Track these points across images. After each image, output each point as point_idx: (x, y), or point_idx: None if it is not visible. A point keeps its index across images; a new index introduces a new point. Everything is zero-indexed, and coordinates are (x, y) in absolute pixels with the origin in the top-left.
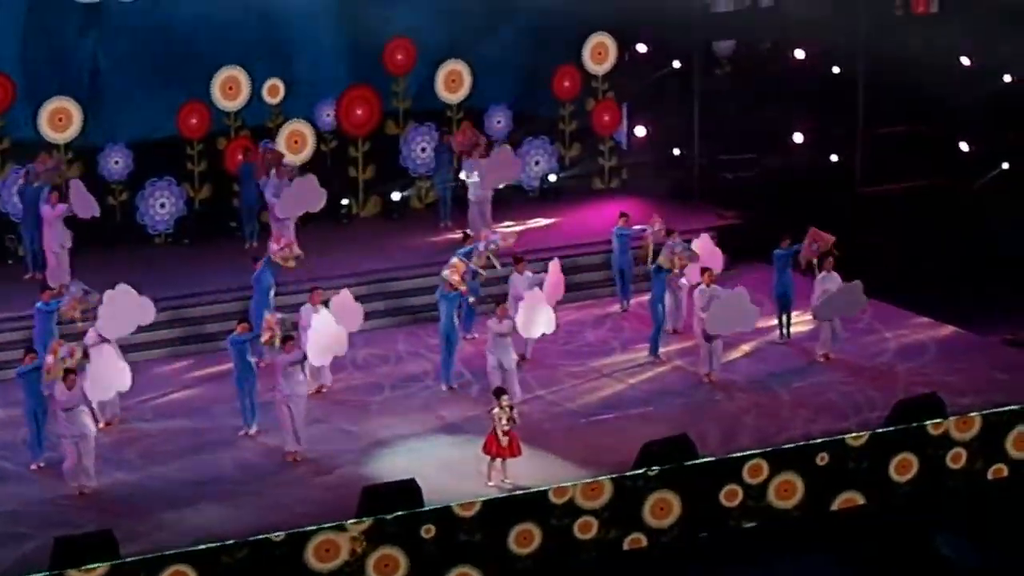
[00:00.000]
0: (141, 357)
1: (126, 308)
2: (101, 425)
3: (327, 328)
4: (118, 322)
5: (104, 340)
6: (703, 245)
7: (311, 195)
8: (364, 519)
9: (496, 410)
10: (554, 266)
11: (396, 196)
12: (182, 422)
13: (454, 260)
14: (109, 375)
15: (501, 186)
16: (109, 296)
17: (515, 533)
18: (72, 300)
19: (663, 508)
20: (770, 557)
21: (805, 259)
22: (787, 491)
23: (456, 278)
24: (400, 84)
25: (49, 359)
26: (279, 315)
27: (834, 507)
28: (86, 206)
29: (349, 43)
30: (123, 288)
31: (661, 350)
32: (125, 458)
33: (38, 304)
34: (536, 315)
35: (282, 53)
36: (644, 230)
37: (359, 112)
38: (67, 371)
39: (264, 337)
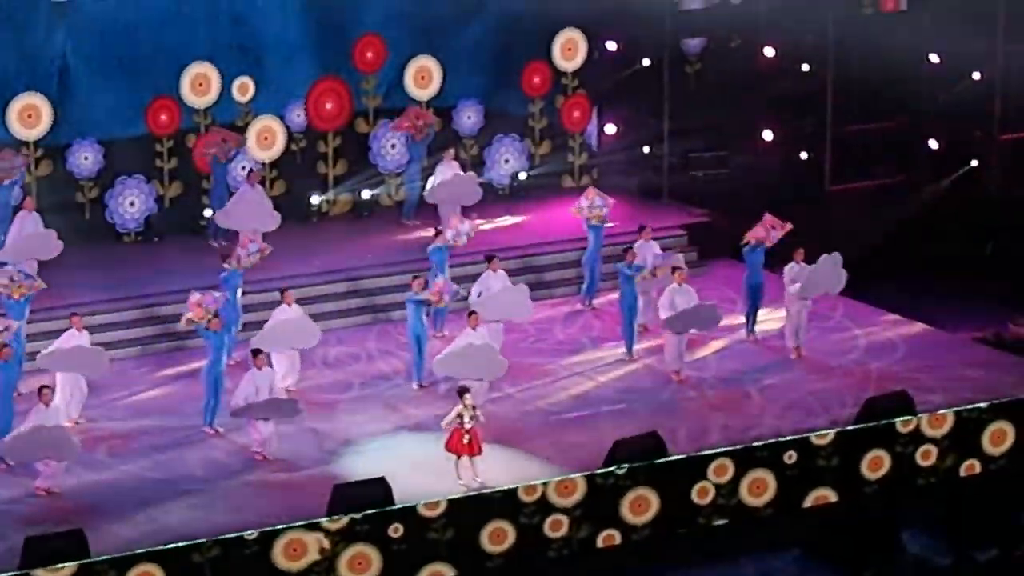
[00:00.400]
0: (110, 356)
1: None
2: (68, 424)
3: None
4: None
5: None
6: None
7: (260, 212)
8: (335, 517)
9: (459, 407)
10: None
11: (366, 194)
12: (151, 421)
13: (438, 280)
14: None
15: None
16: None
17: (487, 531)
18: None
19: (639, 505)
20: (741, 554)
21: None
22: (759, 488)
23: (435, 297)
24: (370, 82)
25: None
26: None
27: (806, 504)
28: None
29: (319, 40)
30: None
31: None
32: (95, 457)
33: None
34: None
35: (252, 51)
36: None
37: (329, 106)
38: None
39: (194, 314)
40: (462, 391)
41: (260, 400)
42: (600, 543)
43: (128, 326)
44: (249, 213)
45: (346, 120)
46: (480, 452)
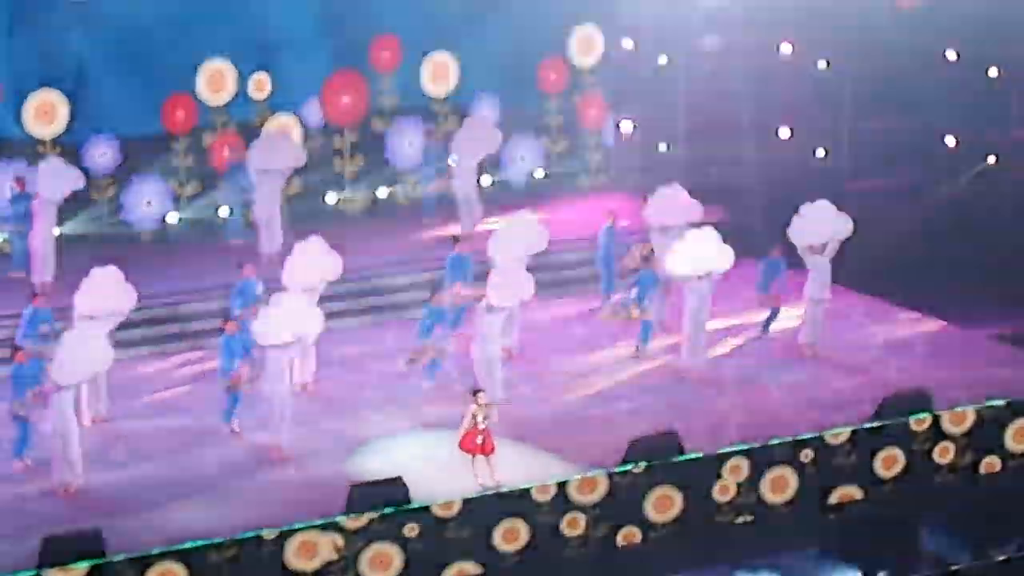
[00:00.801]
0: (127, 355)
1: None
2: (86, 423)
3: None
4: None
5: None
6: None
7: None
8: (352, 516)
9: (473, 406)
10: None
11: (382, 192)
12: (168, 420)
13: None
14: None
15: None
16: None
17: (502, 530)
18: None
19: (657, 504)
20: (757, 553)
21: None
22: (780, 486)
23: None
24: (386, 79)
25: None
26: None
27: (826, 502)
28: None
29: (335, 38)
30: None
31: (648, 345)
32: (112, 456)
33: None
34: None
35: (268, 49)
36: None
37: (345, 99)
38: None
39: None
40: (476, 391)
41: None
42: (617, 541)
43: (144, 325)
44: (279, 151)
45: (362, 114)
46: (493, 451)
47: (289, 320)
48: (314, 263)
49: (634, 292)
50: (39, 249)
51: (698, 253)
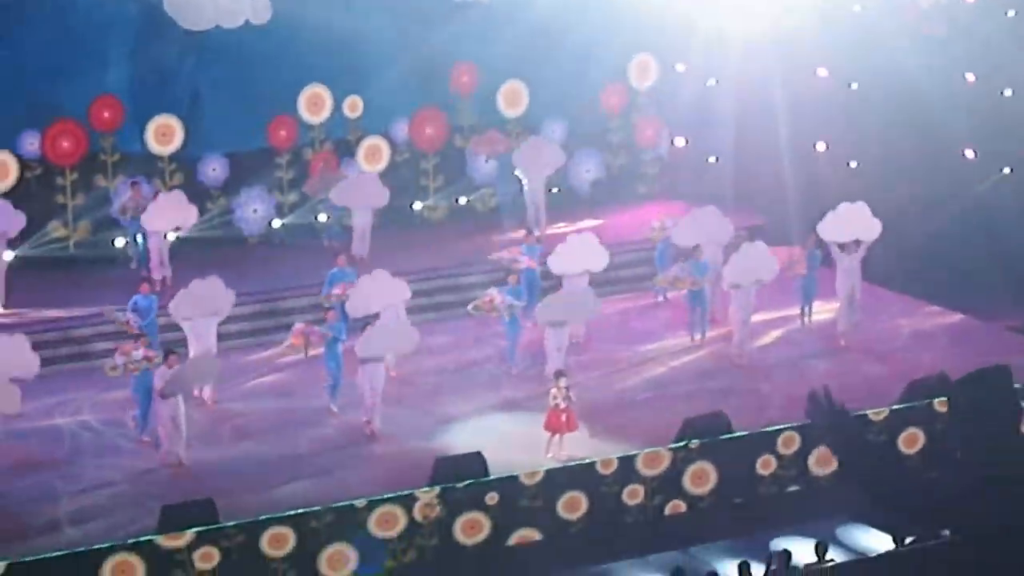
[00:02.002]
0: (235, 345)
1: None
2: (210, 404)
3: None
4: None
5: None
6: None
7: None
8: (435, 487)
9: (554, 390)
10: None
11: (462, 201)
12: (272, 403)
13: (491, 291)
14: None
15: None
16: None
17: (567, 499)
18: None
19: (702, 477)
20: (794, 522)
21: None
22: (823, 461)
23: (486, 306)
24: (465, 102)
25: (119, 359)
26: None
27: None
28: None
29: (420, 65)
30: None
31: (698, 336)
32: (222, 435)
33: (136, 296)
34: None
35: (360, 74)
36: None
37: (428, 131)
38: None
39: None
40: (557, 374)
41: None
42: (670, 511)
43: (249, 319)
44: (363, 192)
45: (443, 141)
46: (575, 429)
47: (377, 296)
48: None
49: (688, 267)
50: (155, 249)
51: (749, 265)
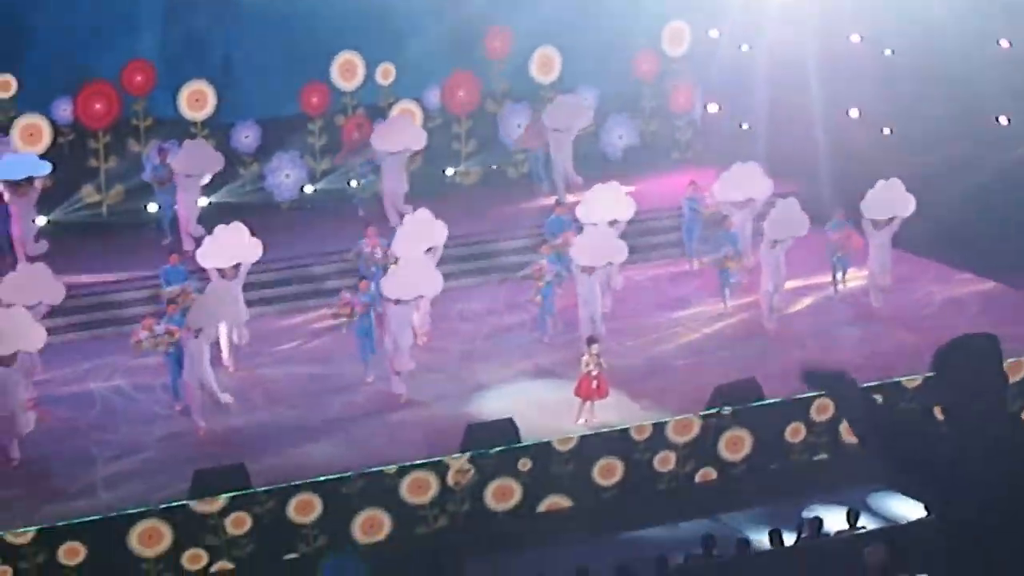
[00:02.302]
0: (267, 311)
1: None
2: (232, 369)
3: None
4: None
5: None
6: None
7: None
8: (468, 453)
9: (585, 356)
10: None
11: (494, 166)
12: (304, 368)
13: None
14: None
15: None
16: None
17: (600, 466)
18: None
19: (740, 443)
20: (829, 489)
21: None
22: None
23: (536, 275)
24: (498, 67)
25: (143, 334)
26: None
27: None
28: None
29: (453, 30)
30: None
31: (730, 303)
32: (253, 400)
33: (165, 267)
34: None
35: (393, 39)
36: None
37: (461, 94)
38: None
39: (343, 311)
40: (590, 341)
41: None
42: (700, 478)
43: (281, 284)
44: (400, 134)
45: (475, 104)
46: (606, 395)
47: (413, 279)
48: (423, 231)
49: (728, 249)
50: (184, 216)
51: (783, 221)
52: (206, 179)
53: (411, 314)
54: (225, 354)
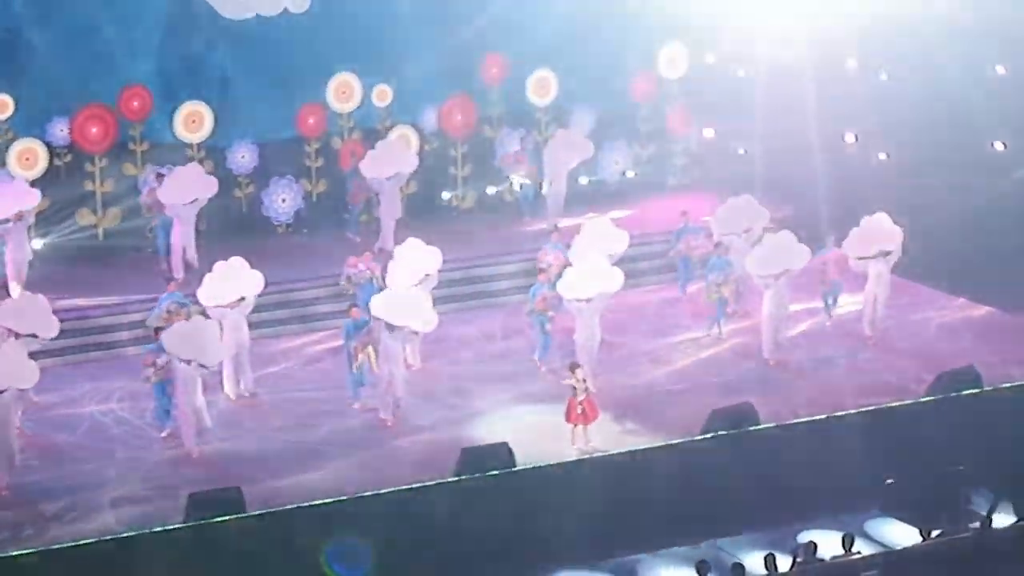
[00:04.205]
0: (257, 335)
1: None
2: (233, 398)
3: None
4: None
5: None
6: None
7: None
8: (462, 477)
9: (571, 381)
10: None
11: (491, 191)
12: (298, 392)
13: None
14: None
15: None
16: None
17: (592, 490)
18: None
19: (737, 467)
20: (822, 512)
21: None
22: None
23: (540, 306)
24: (495, 92)
25: (149, 371)
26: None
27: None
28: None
29: (449, 55)
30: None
31: (725, 328)
32: (245, 425)
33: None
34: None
35: (390, 63)
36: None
37: (458, 118)
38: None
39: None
40: (573, 366)
41: None
42: (696, 503)
43: (275, 308)
44: (392, 158)
45: (471, 129)
46: (595, 419)
47: (407, 308)
48: (417, 260)
49: (719, 276)
50: (177, 244)
51: (775, 254)
52: (199, 204)
53: (402, 344)
54: (227, 385)
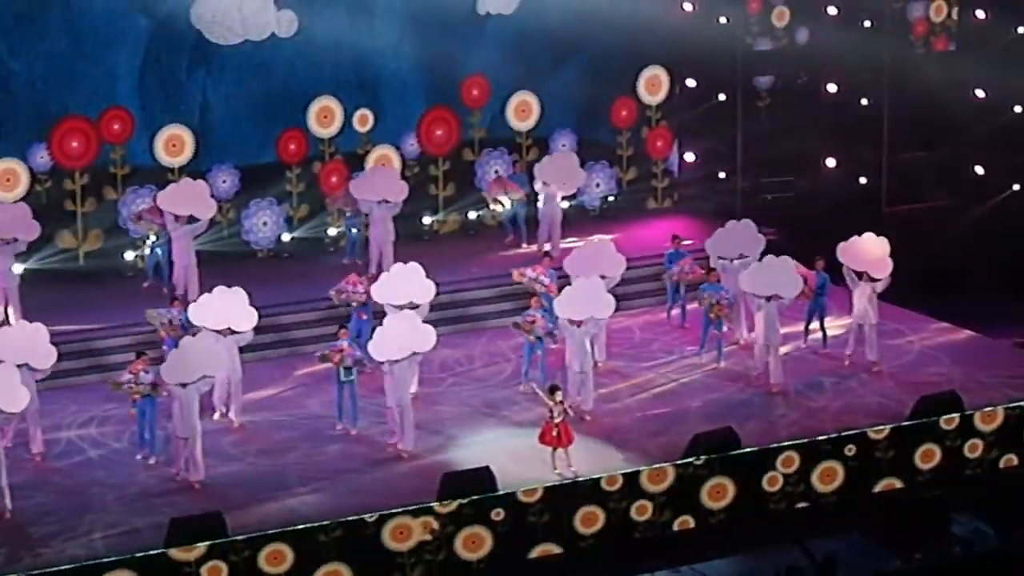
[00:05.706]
0: (247, 359)
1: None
2: (235, 424)
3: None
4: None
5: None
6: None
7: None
8: (444, 502)
9: (549, 403)
10: None
11: (472, 215)
12: (282, 417)
13: (535, 312)
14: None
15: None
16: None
17: (579, 515)
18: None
19: (716, 493)
20: (805, 537)
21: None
22: (828, 477)
23: (527, 327)
24: (475, 115)
25: (126, 376)
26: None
27: (870, 491)
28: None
29: (430, 78)
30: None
31: (707, 354)
32: (226, 450)
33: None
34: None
35: (370, 87)
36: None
37: (439, 132)
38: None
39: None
40: (552, 388)
41: None
42: (678, 527)
43: (258, 333)
44: (381, 183)
45: (454, 145)
46: (570, 443)
47: (401, 340)
48: (405, 285)
49: (713, 296)
50: (180, 262)
51: (770, 279)
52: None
53: (407, 373)
54: (218, 405)
